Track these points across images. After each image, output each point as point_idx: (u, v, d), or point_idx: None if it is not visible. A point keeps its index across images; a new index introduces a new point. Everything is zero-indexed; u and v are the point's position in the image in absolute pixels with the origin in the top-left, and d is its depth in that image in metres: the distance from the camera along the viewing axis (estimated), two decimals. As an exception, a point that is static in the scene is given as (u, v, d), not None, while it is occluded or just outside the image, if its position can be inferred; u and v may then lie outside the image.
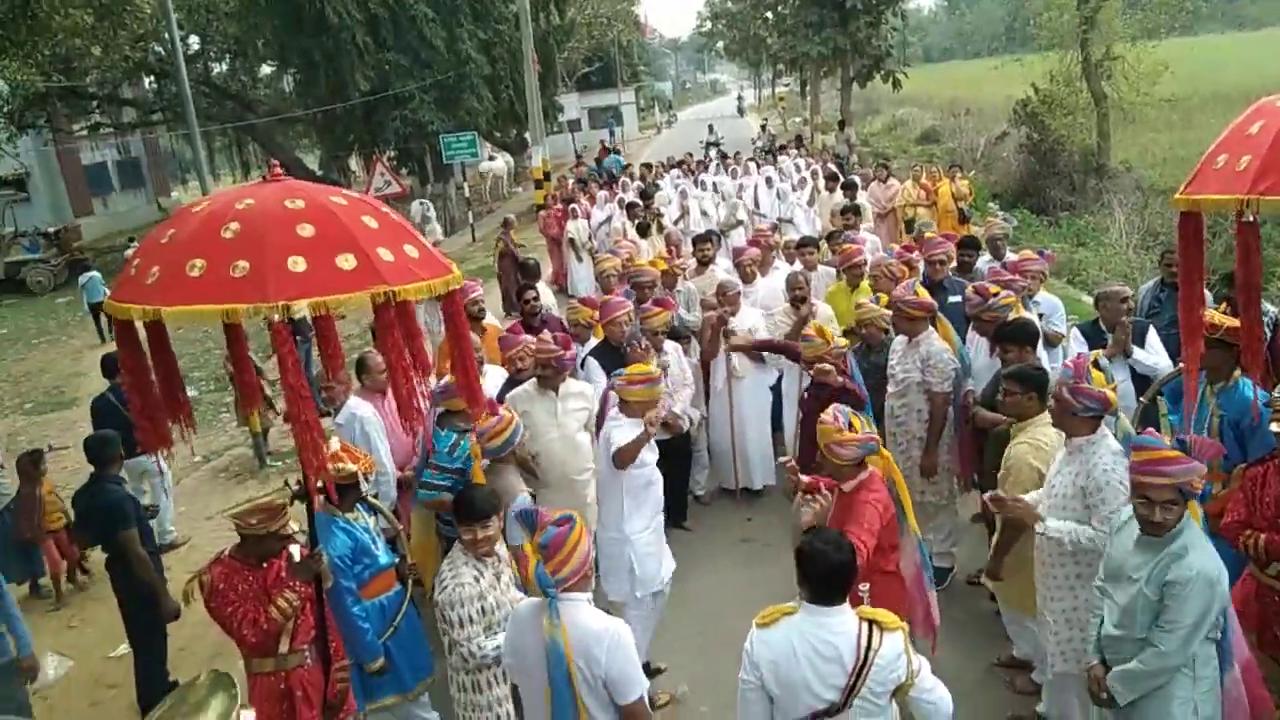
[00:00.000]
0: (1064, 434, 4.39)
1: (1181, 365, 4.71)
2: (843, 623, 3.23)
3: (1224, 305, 5.39)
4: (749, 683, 3.30)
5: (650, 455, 5.40)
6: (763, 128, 30.52)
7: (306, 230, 3.18)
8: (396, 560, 4.82)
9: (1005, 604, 5.20)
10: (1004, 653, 5.49)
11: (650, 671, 5.51)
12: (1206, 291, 5.36)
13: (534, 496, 5.28)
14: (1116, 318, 6.10)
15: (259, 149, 29.58)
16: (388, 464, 5.85)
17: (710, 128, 33.45)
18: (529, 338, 6.25)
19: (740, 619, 6.05)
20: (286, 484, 4.70)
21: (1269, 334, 5.96)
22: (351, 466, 4.56)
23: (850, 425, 4.33)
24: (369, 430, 5.81)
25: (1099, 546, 4.03)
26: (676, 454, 6.87)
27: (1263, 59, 36.86)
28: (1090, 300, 9.37)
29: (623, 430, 5.24)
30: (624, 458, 5.17)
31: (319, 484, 3.62)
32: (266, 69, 31.20)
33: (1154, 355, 6.02)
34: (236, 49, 28.82)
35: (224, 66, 31.34)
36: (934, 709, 3.30)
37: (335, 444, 4.67)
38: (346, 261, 3.17)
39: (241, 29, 26.57)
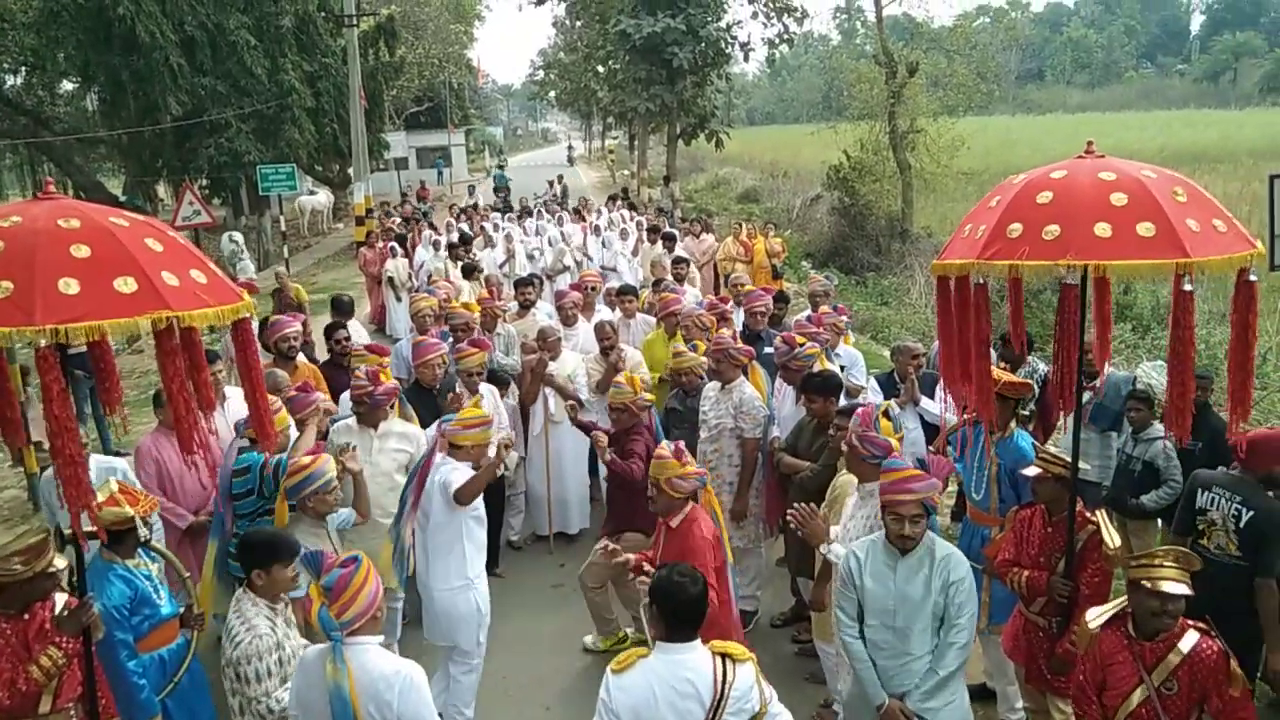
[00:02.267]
0: (857, 479, 4.61)
1: (966, 415, 5.09)
2: (698, 659, 3.23)
3: (1002, 364, 5.85)
4: (606, 715, 3.22)
5: (480, 504, 5.29)
6: (550, 184, 30.79)
7: (82, 251, 2.99)
8: (180, 609, 4.50)
9: (817, 636, 5.36)
10: (817, 696, 5.64)
11: None
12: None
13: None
14: (907, 370, 6.48)
15: (55, 169, 27.52)
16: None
17: (557, 179, 33.24)
18: (321, 396, 6.02)
19: (550, 665, 6.10)
20: (57, 529, 4.33)
21: (1038, 390, 6.50)
22: (128, 510, 4.23)
23: (682, 458, 4.57)
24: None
25: None
26: (491, 498, 6.75)
27: (1045, 140, 40.53)
28: (889, 355, 9.91)
29: (459, 472, 5.09)
30: (467, 494, 5.01)
31: (90, 527, 3.36)
32: (68, 85, 29.17)
33: (941, 405, 6.42)
34: (34, 62, 26.82)
35: (18, 80, 29.08)
36: None
37: (114, 485, 4.34)
38: (126, 285, 2.99)
39: (40, 41, 24.70)
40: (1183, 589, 3.58)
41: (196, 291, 3.19)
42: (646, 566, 4.38)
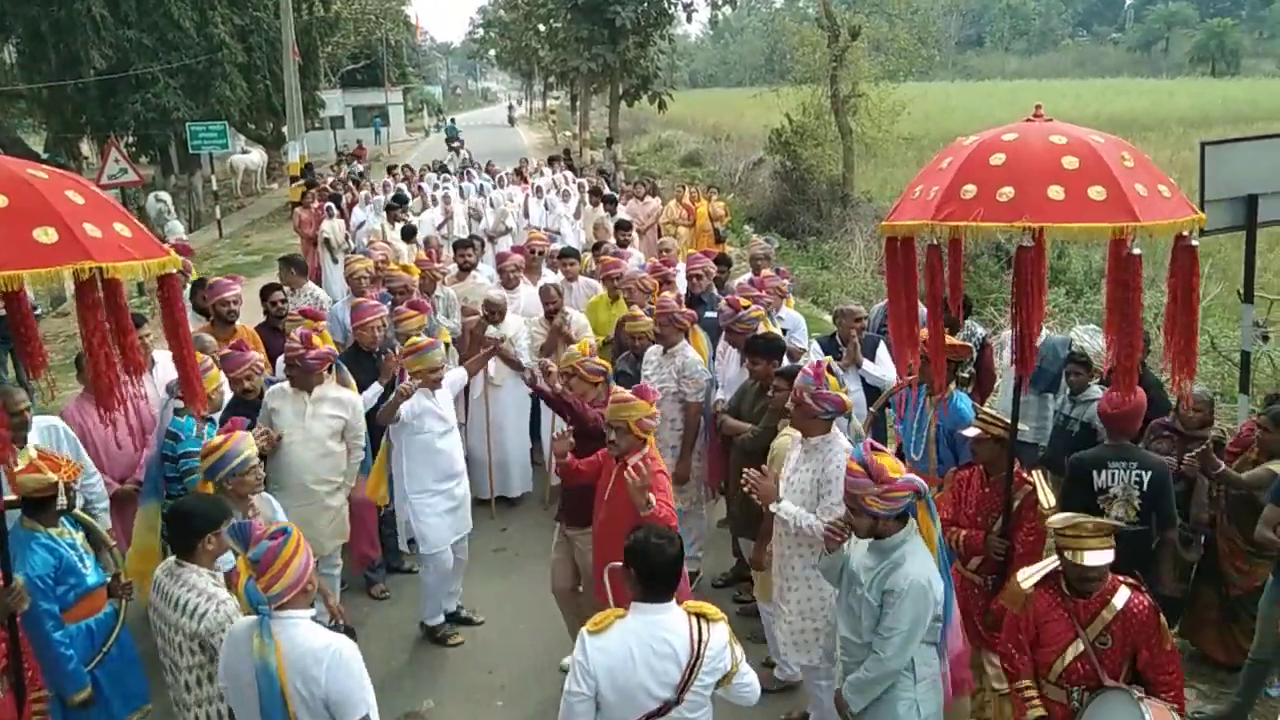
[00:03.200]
0: (801, 434, 4.64)
1: (908, 377, 5.14)
2: (674, 619, 3.26)
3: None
4: (580, 694, 3.19)
5: (435, 423, 5.68)
6: (456, 150, 29.91)
7: None
8: (108, 578, 4.36)
9: (759, 596, 5.41)
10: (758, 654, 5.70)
11: (462, 620, 6.16)
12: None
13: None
14: (849, 333, 6.52)
15: (-30, 124, 26.40)
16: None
17: (460, 144, 32.08)
18: (256, 355, 5.87)
19: (492, 630, 6.07)
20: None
21: (975, 352, 6.59)
22: (51, 476, 4.07)
23: (653, 395, 4.73)
24: (66, 435, 5.29)
25: (818, 534, 4.24)
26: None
27: (984, 105, 41.03)
28: (829, 319, 9.98)
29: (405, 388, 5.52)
30: (380, 418, 5.59)
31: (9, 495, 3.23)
32: (-17, 37, 27.94)
33: (882, 367, 6.48)
34: (-55, 11, 25.63)
35: (-72, 30, 27.77)
36: (750, 692, 3.41)
37: (33, 451, 4.19)
38: (46, 235, 2.89)
39: (-48, -10, 23.64)
40: (1104, 558, 3.70)
41: (121, 244, 3.09)
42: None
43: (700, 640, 3.23)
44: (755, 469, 4.66)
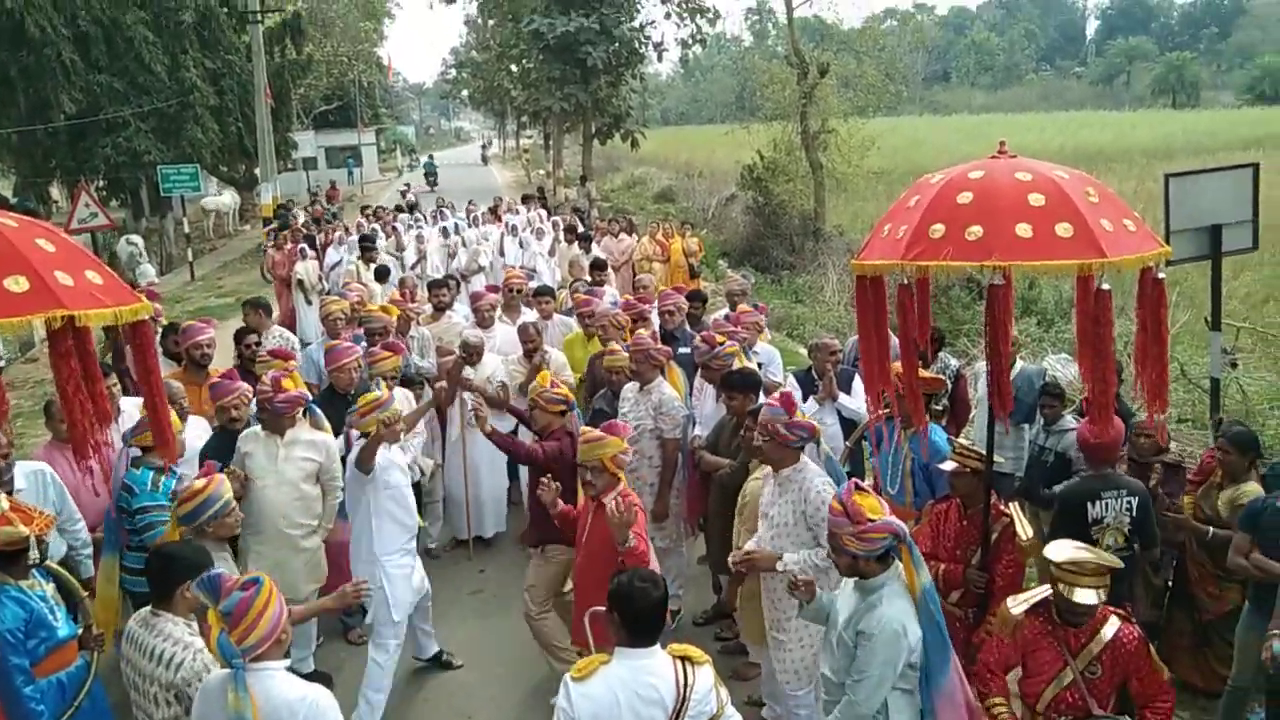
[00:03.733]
0: (771, 468, 4.67)
1: (882, 410, 5.16)
2: (659, 664, 3.21)
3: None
4: None
5: (401, 476, 5.51)
6: (402, 192, 30.10)
7: None
8: (79, 631, 4.28)
9: (747, 637, 5.39)
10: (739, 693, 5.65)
11: (442, 663, 6.10)
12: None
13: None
14: (825, 366, 6.55)
15: (-62, 170, 26.25)
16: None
17: (405, 188, 32.38)
18: (245, 385, 5.84)
19: (471, 674, 5.99)
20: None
21: (950, 385, 6.64)
22: (22, 530, 3.98)
23: (625, 432, 4.74)
24: (53, 481, 5.27)
25: (829, 562, 4.22)
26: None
27: (952, 139, 41.65)
28: (805, 351, 10.04)
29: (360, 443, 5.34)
30: (362, 458, 5.26)
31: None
32: (-49, 81, 27.78)
33: (858, 400, 6.50)
34: (-87, 56, 25.49)
35: (-103, 75, 27.56)
36: None
37: (3, 503, 4.11)
38: (17, 284, 2.91)
39: (-80, 35, 23.53)
40: (1094, 598, 3.72)
41: (92, 292, 3.10)
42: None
43: (686, 684, 3.18)
44: (743, 555, 4.71)
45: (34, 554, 4.16)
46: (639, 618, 3.24)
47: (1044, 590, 3.91)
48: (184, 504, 4.43)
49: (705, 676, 3.24)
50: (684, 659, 3.25)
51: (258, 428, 5.67)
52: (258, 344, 7.41)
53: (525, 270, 13.45)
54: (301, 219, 20.08)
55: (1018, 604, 3.92)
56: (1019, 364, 6.96)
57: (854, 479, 3.90)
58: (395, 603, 5.40)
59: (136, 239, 20.55)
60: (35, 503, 4.58)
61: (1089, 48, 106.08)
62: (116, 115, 23.17)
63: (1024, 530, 4.53)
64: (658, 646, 3.28)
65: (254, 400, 5.89)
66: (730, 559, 4.84)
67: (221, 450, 5.51)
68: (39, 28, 21.17)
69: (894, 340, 4.60)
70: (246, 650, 3.04)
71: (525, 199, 21.95)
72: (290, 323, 14.09)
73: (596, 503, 4.70)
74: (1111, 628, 3.76)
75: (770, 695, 5.34)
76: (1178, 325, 13.13)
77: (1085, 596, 3.71)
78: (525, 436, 6.94)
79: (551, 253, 14.67)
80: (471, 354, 7.20)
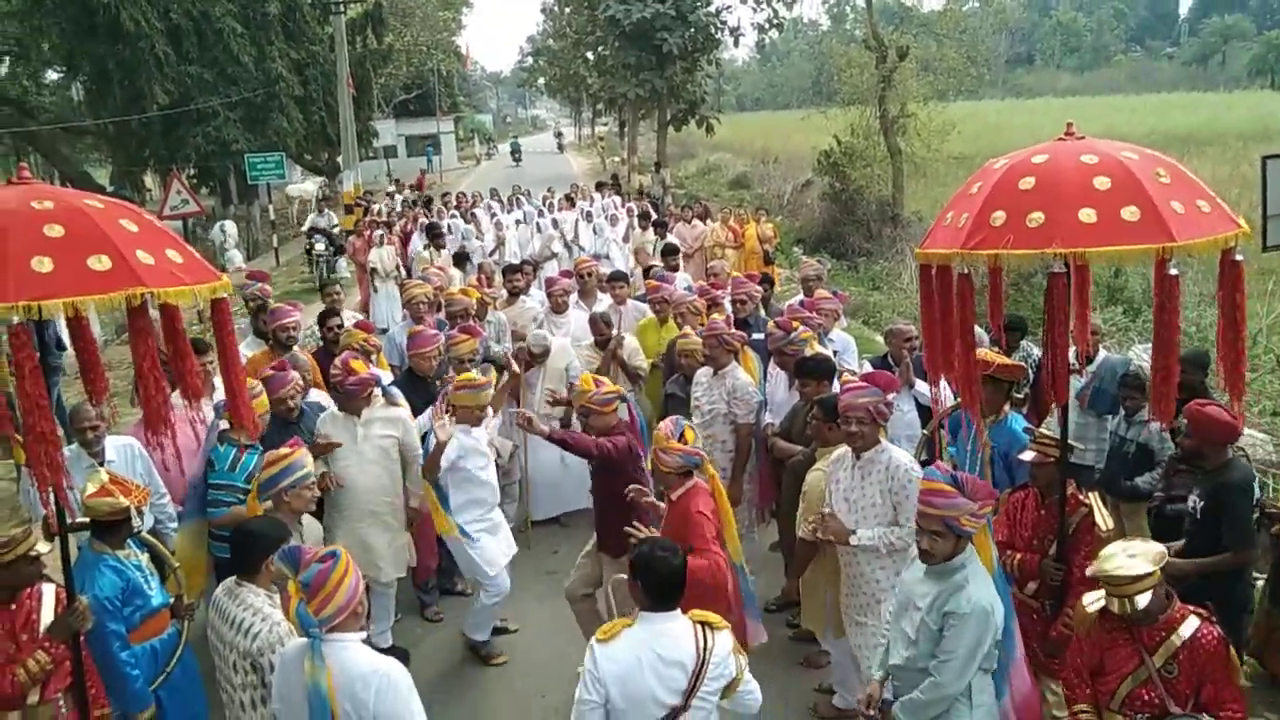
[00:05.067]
0: (852, 451, 4.63)
1: (960, 399, 5.08)
2: (680, 628, 3.36)
3: (995, 348, 5.83)
4: (591, 702, 3.28)
5: (477, 459, 5.71)
6: (518, 161, 31.22)
7: (55, 230, 3.00)
8: (171, 600, 4.47)
9: (804, 621, 5.38)
10: (810, 680, 5.65)
11: (498, 630, 6.22)
12: (982, 332, 5.81)
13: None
14: (901, 353, 6.47)
15: (41, 160, 27.29)
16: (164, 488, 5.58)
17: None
18: (296, 374, 5.97)
19: (545, 652, 6.08)
20: (45, 520, 4.29)
21: (1032, 374, 6.50)
22: (122, 501, 4.19)
23: (681, 436, 4.52)
24: (140, 455, 5.49)
25: (908, 541, 4.23)
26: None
27: (1035, 123, 40.50)
28: (882, 339, 9.92)
29: (442, 432, 5.41)
30: (426, 469, 5.50)
31: (78, 519, 3.34)
32: (53, 74, 28.94)
33: (936, 388, 6.40)
34: (18, 51, 26.61)
35: (2, 69, 28.82)
36: (752, 699, 3.54)
37: (105, 476, 4.31)
38: (100, 263, 3.00)
39: (24, 30, 24.51)
40: (1145, 600, 3.56)
41: (172, 270, 3.19)
42: (640, 529, 4.31)
43: (706, 648, 3.32)
44: (818, 518, 4.66)
45: (136, 522, 4.37)
46: (660, 584, 3.39)
47: None
48: (266, 469, 4.58)
49: (724, 641, 3.38)
50: (704, 624, 3.38)
51: (334, 409, 5.82)
52: (340, 326, 7.59)
53: (598, 256, 13.59)
54: (379, 206, 20.48)
55: (1093, 600, 3.82)
56: (1102, 354, 6.78)
57: (939, 463, 3.87)
58: (487, 560, 5.76)
59: (230, 225, 21.26)
60: (124, 475, 4.78)
61: (1182, 27, 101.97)
62: (206, 105, 23.93)
63: (1104, 521, 4.43)
64: (678, 611, 3.41)
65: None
66: (805, 526, 4.76)
67: (277, 440, 5.46)
68: (134, 21, 21.96)
69: (978, 330, 4.54)
70: (324, 621, 3.12)
71: (599, 186, 22.03)
72: (365, 309, 14.43)
73: (667, 498, 4.65)
74: (1190, 627, 3.64)
75: (839, 683, 5.33)
76: (1273, 315, 12.66)
77: (1137, 604, 3.57)
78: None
79: (626, 239, 14.74)
80: (534, 360, 7.30)
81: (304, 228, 19.79)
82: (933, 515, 3.63)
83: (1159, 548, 3.71)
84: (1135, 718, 3.73)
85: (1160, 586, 3.62)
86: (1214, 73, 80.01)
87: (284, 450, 4.62)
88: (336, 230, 19.26)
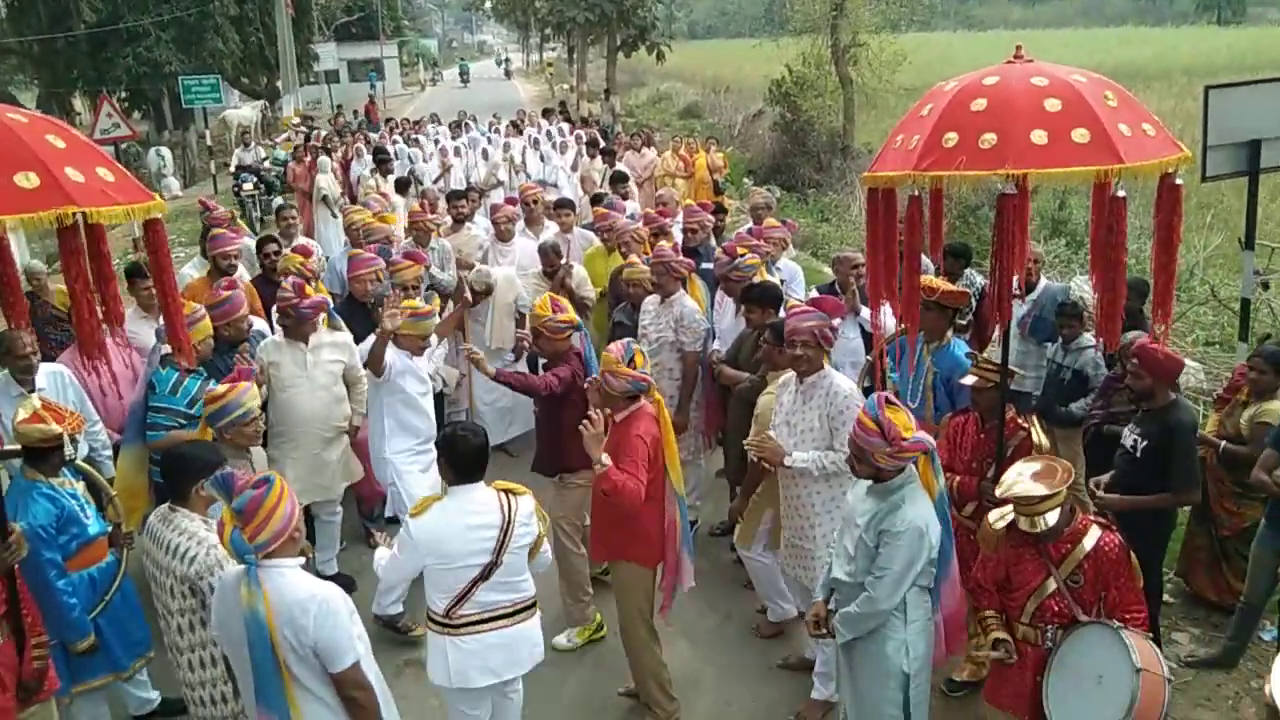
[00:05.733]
0: (795, 374, 4.68)
1: (902, 325, 5.11)
2: (485, 495, 3.86)
3: (942, 273, 5.87)
4: (405, 563, 3.88)
5: (415, 384, 5.67)
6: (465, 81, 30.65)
7: None
8: (109, 528, 4.40)
9: (739, 541, 5.45)
10: (753, 603, 5.76)
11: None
12: (926, 260, 5.83)
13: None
14: (847, 280, 6.49)
15: (-39, 80, 26.18)
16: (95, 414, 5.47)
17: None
18: (241, 298, 5.77)
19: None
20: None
21: (974, 302, 6.57)
22: (56, 427, 4.07)
23: (631, 360, 4.49)
24: (71, 383, 5.37)
25: (843, 467, 4.31)
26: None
27: (986, 55, 40.45)
28: (830, 271, 9.96)
29: (389, 321, 5.43)
30: (371, 361, 5.47)
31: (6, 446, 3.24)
32: (-29, -10, 27.61)
33: (880, 315, 6.45)
34: (-67, -37, 25.29)
35: (-84, -17, 27.38)
36: (546, 558, 4.11)
37: (36, 402, 4.19)
38: (28, 180, 2.86)
39: (-60, -59, 23.34)
40: (1054, 519, 3.70)
41: (104, 189, 3.06)
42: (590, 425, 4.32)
43: (511, 510, 3.83)
44: (753, 440, 4.68)
45: (68, 450, 4.26)
46: (465, 460, 3.87)
47: None
48: (207, 405, 4.52)
49: (526, 504, 3.90)
50: (507, 491, 3.89)
51: (276, 336, 5.71)
52: (278, 253, 7.42)
53: (545, 184, 13.39)
54: (322, 131, 19.94)
55: (999, 518, 3.92)
56: (1044, 282, 6.87)
57: (883, 392, 3.90)
58: (410, 498, 5.41)
59: (165, 151, 20.59)
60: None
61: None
62: (137, 24, 23.01)
63: (1040, 440, 4.53)
64: (482, 483, 3.89)
65: (274, 310, 5.92)
66: (745, 444, 4.81)
67: (223, 366, 5.40)
68: (57, -67, 20.89)
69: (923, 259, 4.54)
70: (259, 547, 3.08)
71: (546, 113, 21.66)
72: (309, 234, 14.09)
73: (611, 423, 4.58)
74: (1093, 537, 3.77)
75: (767, 598, 5.48)
76: (1210, 247, 12.91)
77: (1046, 521, 3.71)
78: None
79: (574, 167, 14.54)
80: (478, 296, 7.21)
81: (231, 166, 18.73)
82: (853, 442, 3.78)
83: (1064, 464, 3.82)
84: (1044, 628, 3.86)
85: (1065, 503, 3.74)
86: (1162, 7, 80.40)
87: (221, 388, 4.53)
88: (266, 165, 18.66)
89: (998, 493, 3.91)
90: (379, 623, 5.47)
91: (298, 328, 5.59)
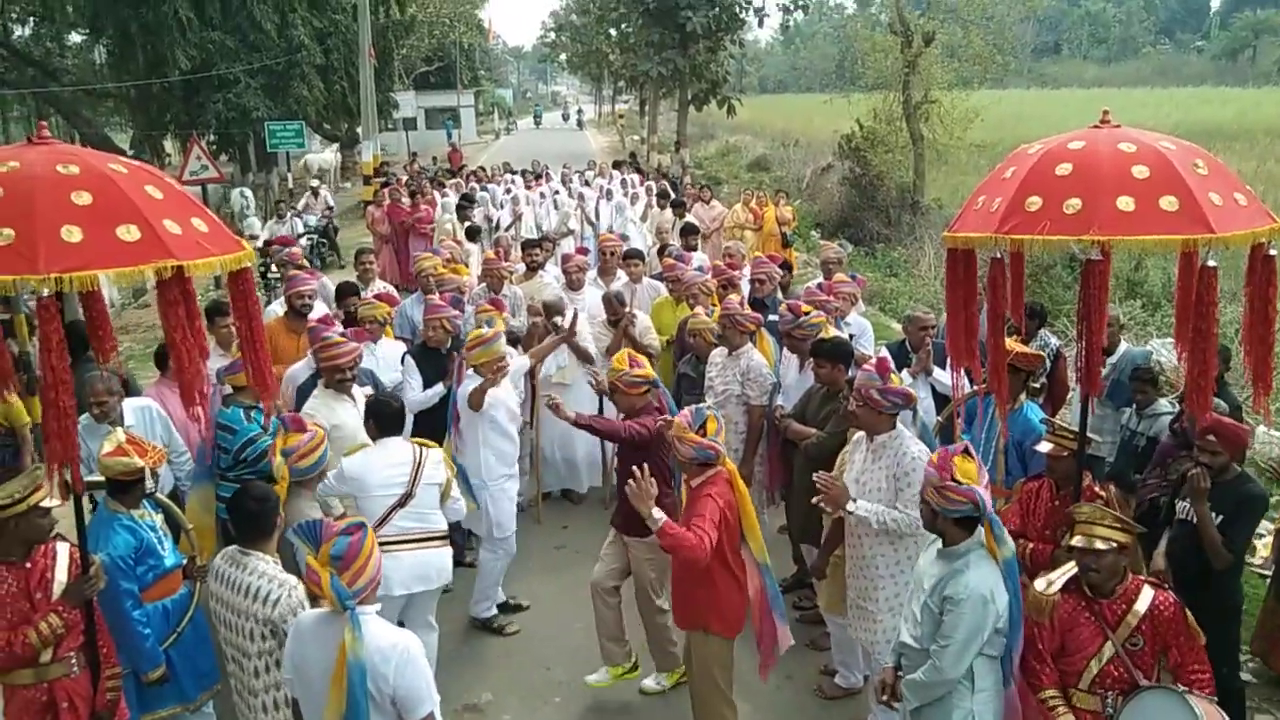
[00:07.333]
0: (866, 434, 4.63)
1: (977, 387, 5.05)
2: (401, 444, 5.09)
3: (1015, 336, 5.78)
4: (336, 488, 4.96)
5: (504, 414, 6.03)
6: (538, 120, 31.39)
7: (83, 198, 2.94)
8: (184, 560, 4.51)
9: (825, 607, 5.36)
10: (817, 661, 5.68)
11: (511, 608, 6.37)
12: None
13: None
14: (919, 340, 6.44)
15: (62, 121, 27.36)
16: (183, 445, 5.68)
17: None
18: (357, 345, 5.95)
19: (551, 626, 6.11)
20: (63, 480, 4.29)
21: (1049, 363, 6.46)
22: (137, 461, 4.20)
23: (702, 428, 4.39)
24: (159, 417, 5.57)
25: (903, 528, 4.28)
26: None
27: (1060, 113, 40.10)
28: (898, 326, 9.88)
29: (471, 383, 5.88)
30: (472, 400, 5.83)
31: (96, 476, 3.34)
32: (76, 37, 28.97)
33: (952, 375, 6.37)
34: (42, 12, 26.60)
35: (26, 30, 28.84)
36: (459, 508, 5.28)
37: (121, 435, 4.33)
38: (129, 233, 2.95)
39: (48, -9, 24.56)
40: (1105, 544, 3.67)
41: (199, 240, 3.16)
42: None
43: (420, 453, 5.03)
44: (819, 475, 4.59)
45: (149, 484, 4.39)
46: (384, 420, 5.10)
47: (1071, 567, 3.76)
48: (300, 459, 4.62)
49: (435, 454, 5.11)
50: (418, 444, 5.11)
51: (324, 395, 5.67)
52: (357, 301, 7.56)
53: (618, 234, 13.51)
54: (403, 177, 20.44)
55: (1047, 583, 3.79)
56: (1124, 346, 6.73)
57: (966, 443, 3.84)
58: (498, 524, 6.04)
59: (248, 192, 21.27)
60: (141, 437, 4.80)
61: (1212, 20, 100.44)
62: (228, 72, 23.94)
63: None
64: (401, 438, 5.13)
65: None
66: (815, 477, 4.63)
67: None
68: (157, -15, 21.91)
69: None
70: (356, 593, 3.10)
71: (617, 164, 21.95)
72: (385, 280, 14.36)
73: (688, 487, 4.54)
74: (1146, 598, 3.67)
75: (841, 663, 5.35)
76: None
77: (1102, 543, 3.65)
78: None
79: (644, 217, 14.68)
80: (550, 312, 7.30)
81: (258, 240, 15.03)
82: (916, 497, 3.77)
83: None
84: (1104, 695, 3.74)
85: (1123, 553, 3.69)
86: (1243, 68, 78.95)
87: (316, 441, 4.67)
88: (327, 218, 18.13)
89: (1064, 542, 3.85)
90: (475, 624, 6.22)
91: (348, 382, 5.70)
